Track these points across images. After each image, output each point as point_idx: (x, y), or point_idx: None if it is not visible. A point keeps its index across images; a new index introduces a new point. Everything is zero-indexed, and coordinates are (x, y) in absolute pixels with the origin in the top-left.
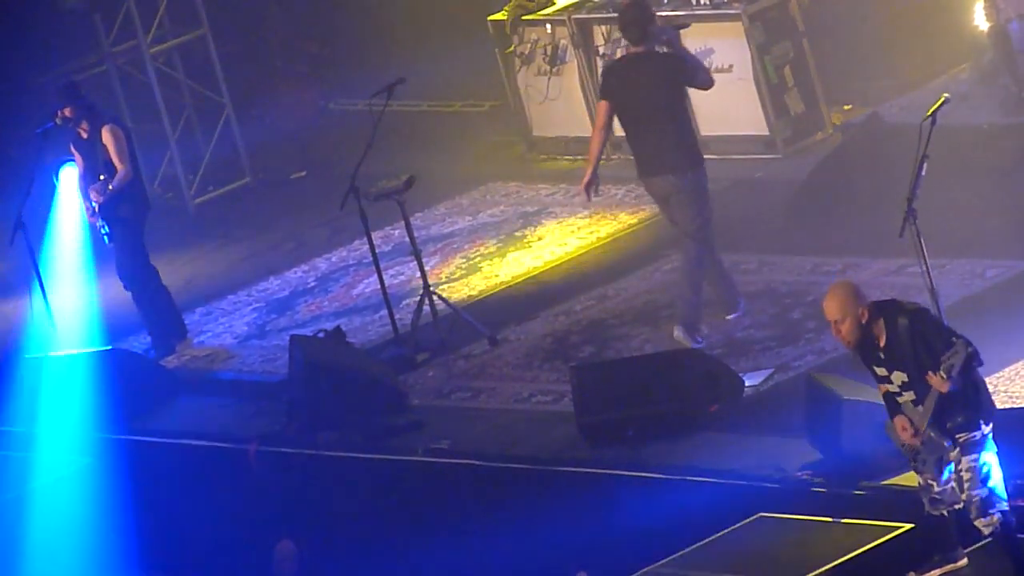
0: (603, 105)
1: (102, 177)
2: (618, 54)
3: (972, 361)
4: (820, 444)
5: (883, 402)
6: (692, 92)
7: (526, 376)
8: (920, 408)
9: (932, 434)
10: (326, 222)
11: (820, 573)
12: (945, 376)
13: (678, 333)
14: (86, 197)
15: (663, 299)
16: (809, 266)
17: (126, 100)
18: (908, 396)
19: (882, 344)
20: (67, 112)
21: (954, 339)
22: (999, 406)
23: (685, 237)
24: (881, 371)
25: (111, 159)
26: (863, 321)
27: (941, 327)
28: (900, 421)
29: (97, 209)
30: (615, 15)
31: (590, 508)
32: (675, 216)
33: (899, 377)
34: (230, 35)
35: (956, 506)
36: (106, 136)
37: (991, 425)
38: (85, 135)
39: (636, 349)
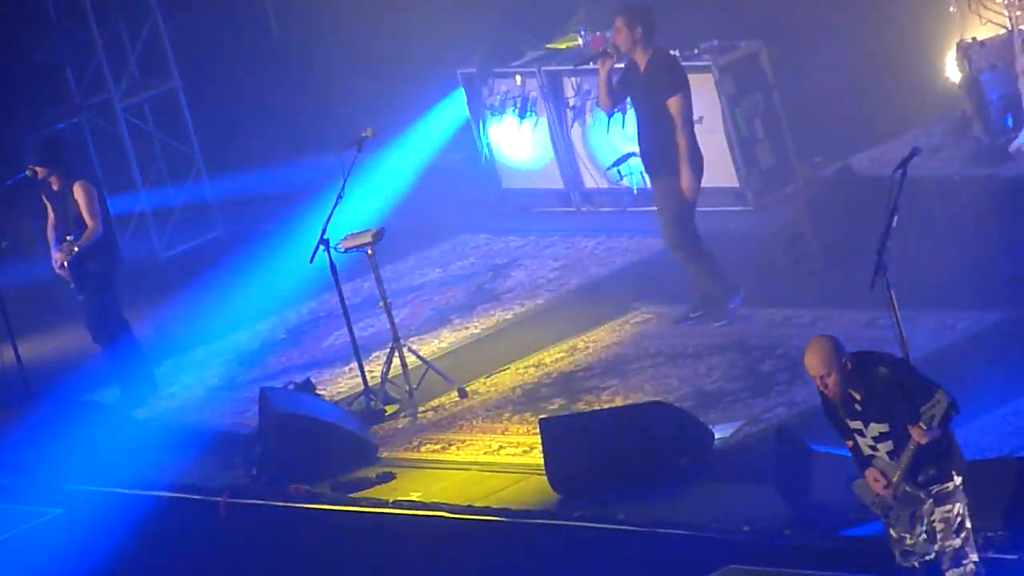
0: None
1: (68, 238)
2: (592, 106)
3: (950, 411)
4: (789, 495)
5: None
6: None
7: (496, 428)
8: (895, 461)
9: (907, 488)
10: (296, 273)
11: None
12: (925, 427)
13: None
14: (56, 248)
15: (633, 351)
16: (780, 318)
17: (97, 152)
18: (885, 447)
19: (859, 396)
20: (39, 169)
21: (934, 390)
22: (970, 459)
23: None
24: (855, 424)
25: (81, 214)
26: (847, 371)
27: (920, 377)
28: (872, 473)
29: (65, 264)
30: (585, 67)
31: (560, 560)
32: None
33: (876, 428)
34: (201, 88)
35: (928, 558)
36: (77, 191)
37: (962, 477)
38: (56, 188)
39: (606, 401)
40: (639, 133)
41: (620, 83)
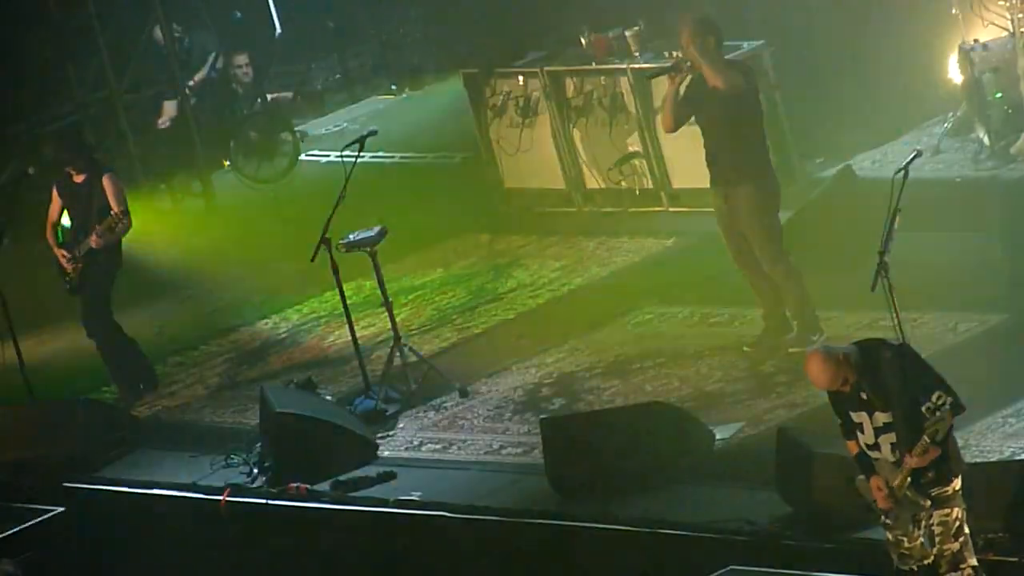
0: None
1: (98, 227)
2: (594, 106)
3: (956, 413)
4: (791, 496)
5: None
6: (665, 144)
7: (496, 428)
8: (896, 457)
9: (909, 494)
10: (297, 273)
11: None
12: (929, 441)
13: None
14: (70, 244)
15: (634, 352)
16: None
17: (99, 149)
18: (887, 439)
19: (867, 384)
20: (71, 162)
21: (935, 387)
22: (971, 460)
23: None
24: (859, 416)
25: (108, 205)
26: (853, 363)
27: (924, 364)
28: (876, 482)
29: (95, 246)
30: (586, 67)
31: (561, 561)
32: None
33: (880, 418)
34: (202, 84)
35: (925, 561)
36: (107, 183)
37: (960, 479)
38: (80, 181)
39: (607, 402)
40: (713, 148)
41: (686, 100)
